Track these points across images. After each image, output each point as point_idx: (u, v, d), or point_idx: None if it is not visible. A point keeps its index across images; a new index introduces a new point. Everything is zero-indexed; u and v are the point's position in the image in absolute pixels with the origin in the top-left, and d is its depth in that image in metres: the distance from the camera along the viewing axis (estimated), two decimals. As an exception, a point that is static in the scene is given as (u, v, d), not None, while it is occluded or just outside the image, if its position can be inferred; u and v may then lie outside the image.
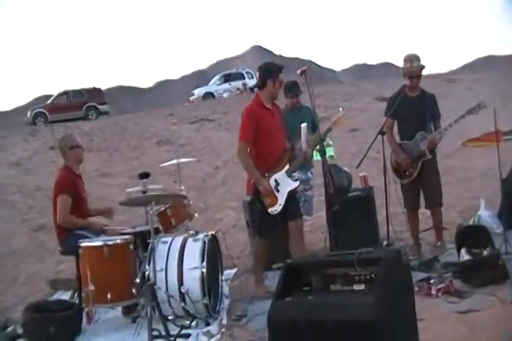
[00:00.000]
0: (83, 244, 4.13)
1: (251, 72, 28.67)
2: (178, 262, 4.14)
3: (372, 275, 2.41)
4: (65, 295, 5.04)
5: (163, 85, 69.13)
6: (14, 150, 15.80)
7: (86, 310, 4.26)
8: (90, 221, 4.82)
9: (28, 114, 24.81)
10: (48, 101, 25.73)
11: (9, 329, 4.40)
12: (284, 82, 4.92)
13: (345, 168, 5.46)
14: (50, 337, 3.97)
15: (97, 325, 4.31)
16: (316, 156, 5.30)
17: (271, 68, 4.74)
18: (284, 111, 5.54)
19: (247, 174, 4.68)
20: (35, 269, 6.63)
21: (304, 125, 4.91)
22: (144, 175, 4.94)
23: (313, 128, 5.02)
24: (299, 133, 4.93)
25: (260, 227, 4.70)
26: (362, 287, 2.44)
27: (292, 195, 4.71)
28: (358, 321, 2.24)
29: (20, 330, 4.26)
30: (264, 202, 4.52)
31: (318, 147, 4.78)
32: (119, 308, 4.40)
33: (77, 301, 4.43)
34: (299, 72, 4.63)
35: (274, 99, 4.80)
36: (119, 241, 4.14)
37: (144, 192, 4.91)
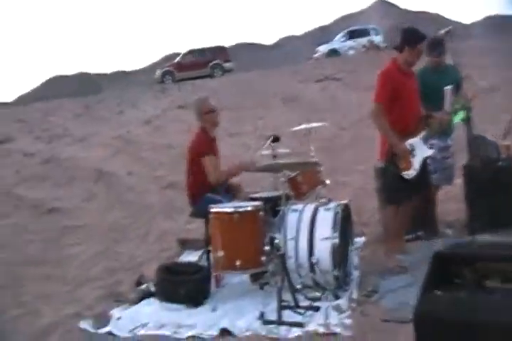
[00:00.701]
0: (213, 210, 4.10)
1: (377, 28, 27.61)
2: (308, 231, 4.02)
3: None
4: (193, 255, 5.14)
5: (285, 41, 68.38)
6: (145, 108, 16.46)
7: (214, 274, 4.29)
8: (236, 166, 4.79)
9: (157, 72, 25.80)
10: (175, 60, 26.51)
11: (143, 286, 4.55)
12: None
13: (489, 137, 5.03)
14: (181, 299, 4.05)
15: (225, 289, 4.35)
16: (455, 120, 4.94)
17: (412, 35, 4.46)
18: (424, 70, 5.15)
19: (383, 136, 4.47)
20: (165, 226, 6.83)
21: (448, 87, 4.61)
22: (275, 139, 4.84)
23: (457, 90, 4.65)
24: (442, 95, 4.63)
25: (392, 193, 4.51)
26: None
27: (425, 163, 4.48)
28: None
29: (153, 289, 4.39)
30: (398, 166, 4.31)
31: (462, 115, 4.46)
32: (247, 273, 4.38)
33: (205, 263, 4.49)
34: (443, 32, 4.36)
35: (411, 66, 4.56)
36: (249, 208, 4.06)
37: (274, 156, 4.81)
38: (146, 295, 4.36)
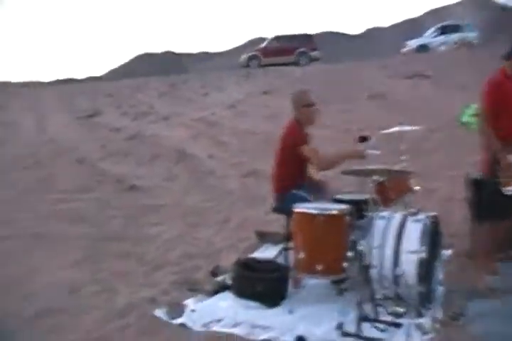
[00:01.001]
0: (297, 210, 4.00)
1: (470, 24, 26.61)
2: (395, 242, 3.85)
3: None
4: (271, 250, 5.08)
5: (372, 33, 66.90)
6: (230, 92, 16.57)
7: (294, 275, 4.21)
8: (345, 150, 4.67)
9: (243, 56, 25.92)
10: (262, 45, 26.50)
11: (220, 278, 4.55)
12: None
13: None
14: (257, 297, 4.00)
15: (303, 291, 4.26)
16: None
17: None
18: None
19: (486, 145, 4.32)
20: (244, 215, 6.78)
21: None
22: (363, 139, 4.70)
23: None
24: None
25: (487, 208, 4.30)
26: None
27: None
28: None
29: (229, 282, 4.37)
30: (499, 179, 4.14)
31: None
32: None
33: (283, 261, 4.43)
34: None
35: None
36: (335, 212, 3.93)
37: (362, 156, 4.67)
38: (222, 288, 4.34)
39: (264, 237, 5.62)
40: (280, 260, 4.52)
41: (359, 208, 4.31)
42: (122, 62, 51.75)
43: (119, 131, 13.10)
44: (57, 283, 4.99)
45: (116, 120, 14.45)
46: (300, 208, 4.03)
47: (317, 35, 36.00)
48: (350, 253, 3.83)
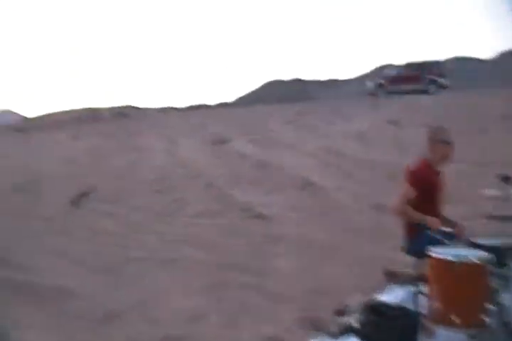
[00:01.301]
0: (434, 255, 3.75)
1: None
2: (543, 297, 3.51)
3: None
4: (400, 292, 4.83)
5: (506, 56, 63.47)
6: (356, 121, 16.40)
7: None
8: (427, 218, 4.43)
9: (369, 83, 25.70)
10: (389, 73, 26.13)
11: (345, 319, 4.37)
12: None
13: None
14: (386, 345, 3.80)
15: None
16: None
17: None
18: None
19: None
20: (370, 251, 6.55)
21: None
22: (506, 179, 4.38)
23: None
24: None
25: None
26: None
27: None
28: None
29: (354, 324, 4.20)
30: None
31: None
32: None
33: (412, 305, 4.18)
34: None
35: None
36: (476, 260, 3.64)
37: (506, 198, 4.33)
38: (347, 330, 4.18)
39: (393, 277, 5.37)
40: (410, 305, 4.27)
41: (500, 254, 3.99)
42: (252, 89, 53.23)
43: (245, 157, 13.38)
44: (181, 309, 5.09)
45: (243, 147, 14.78)
46: (437, 253, 3.77)
47: (445, 60, 34.82)
48: (490, 306, 3.52)
